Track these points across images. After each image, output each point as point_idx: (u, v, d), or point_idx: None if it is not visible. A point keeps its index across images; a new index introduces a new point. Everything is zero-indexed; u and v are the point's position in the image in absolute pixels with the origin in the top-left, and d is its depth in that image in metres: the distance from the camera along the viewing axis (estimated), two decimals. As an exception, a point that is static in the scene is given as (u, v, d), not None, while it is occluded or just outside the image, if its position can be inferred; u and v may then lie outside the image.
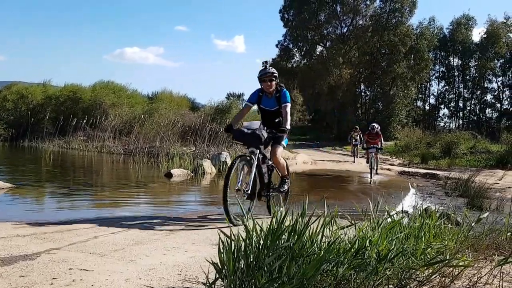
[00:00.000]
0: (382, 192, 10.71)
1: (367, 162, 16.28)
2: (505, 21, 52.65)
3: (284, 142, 6.77)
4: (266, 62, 6.76)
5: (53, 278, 3.24)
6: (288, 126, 6.36)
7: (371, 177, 15.19)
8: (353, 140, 24.30)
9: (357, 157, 23.73)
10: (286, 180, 6.84)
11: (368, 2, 46.95)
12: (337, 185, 13.49)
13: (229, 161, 15.33)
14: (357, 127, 25.66)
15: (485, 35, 51.62)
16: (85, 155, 20.06)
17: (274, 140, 6.72)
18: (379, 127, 16.83)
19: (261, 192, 6.54)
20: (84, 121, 25.07)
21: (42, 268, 3.47)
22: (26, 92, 29.17)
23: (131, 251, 4.21)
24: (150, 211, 7.79)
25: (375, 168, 15.67)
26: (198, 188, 11.97)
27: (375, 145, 15.96)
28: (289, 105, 6.54)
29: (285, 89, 6.64)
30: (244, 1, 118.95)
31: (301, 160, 20.99)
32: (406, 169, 20.12)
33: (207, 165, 14.40)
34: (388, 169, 19.61)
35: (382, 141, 16.56)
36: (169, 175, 12.79)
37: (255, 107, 7.03)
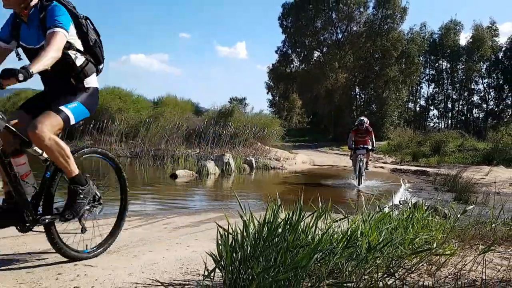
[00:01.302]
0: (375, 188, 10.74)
1: (353, 165, 13.12)
2: (490, 25, 52.87)
3: (69, 107, 3.37)
4: None
5: (58, 274, 3.23)
6: (45, 65, 2.98)
7: (358, 184, 12.32)
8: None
9: None
10: (80, 190, 3.45)
11: (361, 9, 47.04)
12: (333, 182, 13.41)
13: (232, 163, 15.34)
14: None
15: (471, 40, 51.76)
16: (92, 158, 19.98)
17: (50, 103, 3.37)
18: (368, 122, 13.54)
19: (22, 214, 3.22)
20: (91, 125, 25.00)
21: (48, 264, 3.47)
22: (35, 98, 29.13)
23: (135, 247, 4.20)
24: (155, 209, 7.77)
25: (363, 174, 12.64)
26: (202, 188, 11.97)
27: (365, 145, 12.99)
28: (60, 32, 3.14)
29: (56, 3, 3.28)
30: (245, 9, 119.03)
31: (300, 160, 21.01)
32: (398, 166, 20.15)
33: (211, 166, 14.38)
34: (382, 167, 19.66)
35: (374, 140, 13.31)
36: (174, 176, 12.76)
37: None
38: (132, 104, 29.53)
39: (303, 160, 21.31)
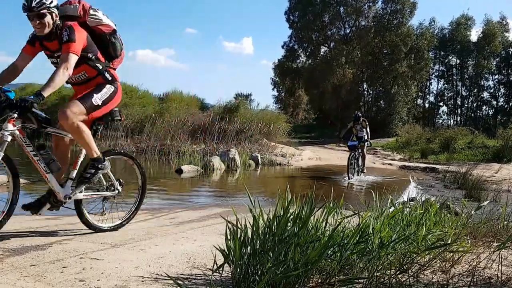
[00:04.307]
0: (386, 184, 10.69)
1: None
2: (501, 21, 52.58)
3: None
4: None
5: (64, 267, 3.22)
6: None
7: None
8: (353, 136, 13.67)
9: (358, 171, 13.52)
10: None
11: (370, 4, 46.66)
12: (339, 177, 13.37)
13: (237, 158, 15.33)
14: (359, 114, 14.37)
15: (481, 35, 51.45)
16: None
17: None
18: None
19: None
20: (96, 120, 25.01)
21: (53, 258, 3.45)
22: (40, 92, 29.14)
23: (141, 241, 4.20)
24: (160, 204, 7.77)
25: None
26: (207, 183, 11.97)
27: None
28: None
29: None
30: (252, 4, 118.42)
31: (306, 156, 20.96)
32: (407, 163, 20.03)
33: (217, 161, 14.40)
34: (390, 164, 19.58)
35: None
36: (179, 171, 12.76)
37: None
38: (137, 99, 29.56)
39: (309, 156, 21.27)
